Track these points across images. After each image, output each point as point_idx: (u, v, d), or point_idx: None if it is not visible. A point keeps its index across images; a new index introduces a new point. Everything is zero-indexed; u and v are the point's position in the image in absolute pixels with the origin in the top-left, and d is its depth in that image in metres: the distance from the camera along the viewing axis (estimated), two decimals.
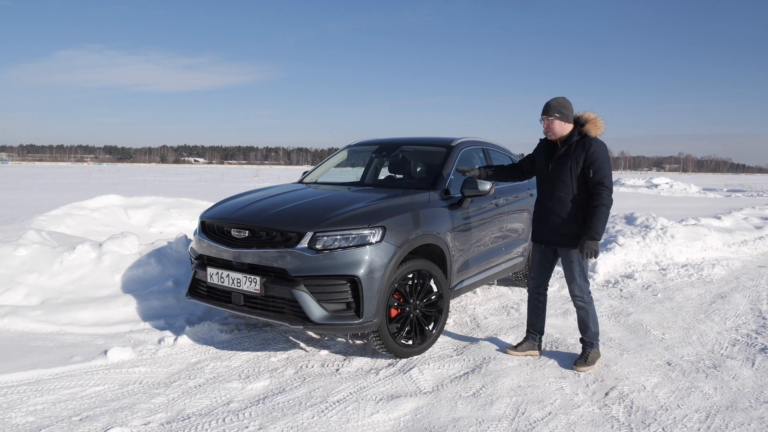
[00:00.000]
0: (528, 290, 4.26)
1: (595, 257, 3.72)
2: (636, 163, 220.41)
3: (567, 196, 3.80)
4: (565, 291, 6.06)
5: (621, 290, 6.23)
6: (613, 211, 11.67)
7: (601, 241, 3.94)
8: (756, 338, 4.60)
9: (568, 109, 3.82)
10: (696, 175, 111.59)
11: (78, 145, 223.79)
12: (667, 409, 3.29)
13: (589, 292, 3.95)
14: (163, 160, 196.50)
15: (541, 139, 4.08)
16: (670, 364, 4.00)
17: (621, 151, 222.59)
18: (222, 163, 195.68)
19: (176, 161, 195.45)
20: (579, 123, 3.83)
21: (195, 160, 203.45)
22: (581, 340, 4.01)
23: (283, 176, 34.76)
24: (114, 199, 9.22)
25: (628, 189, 30.36)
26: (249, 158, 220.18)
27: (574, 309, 4.01)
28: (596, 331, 3.98)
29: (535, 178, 4.20)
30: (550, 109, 3.80)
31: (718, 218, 10.92)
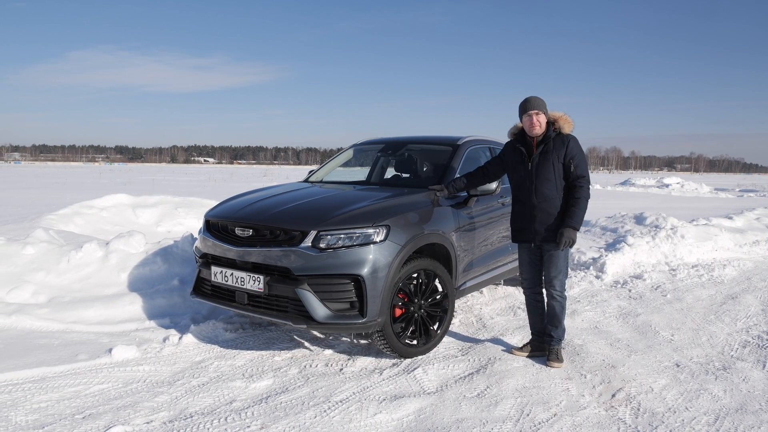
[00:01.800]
0: (524, 292, 4.24)
1: (572, 246, 3.87)
2: (647, 163, 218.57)
3: (553, 193, 3.87)
4: (571, 291, 6.01)
5: (630, 291, 6.16)
6: (622, 210, 11.66)
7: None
8: (767, 340, 4.53)
9: (545, 105, 3.91)
10: (708, 175, 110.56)
11: (90, 145, 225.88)
12: (675, 412, 3.24)
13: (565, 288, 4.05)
14: (173, 160, 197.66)
15: (508, 142, 4.14)
16: (678, 366, 3.95)
17: (632, 151, 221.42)
18: (231, 163, 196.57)
19: (186, 161, 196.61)
20: (549, 121, 3.92)
21: (205, 160, 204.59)
22: (549, 335, 4.03)
23: (291, 176, 34.80)
24: (123, 198, 9.28)
25: (638, 189, 29.96)
26: (258, 158, 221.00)
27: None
28: (564, 328, 4.08)
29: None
30: (537, 105, 3.87)
31: (730, 218, 10.79)
